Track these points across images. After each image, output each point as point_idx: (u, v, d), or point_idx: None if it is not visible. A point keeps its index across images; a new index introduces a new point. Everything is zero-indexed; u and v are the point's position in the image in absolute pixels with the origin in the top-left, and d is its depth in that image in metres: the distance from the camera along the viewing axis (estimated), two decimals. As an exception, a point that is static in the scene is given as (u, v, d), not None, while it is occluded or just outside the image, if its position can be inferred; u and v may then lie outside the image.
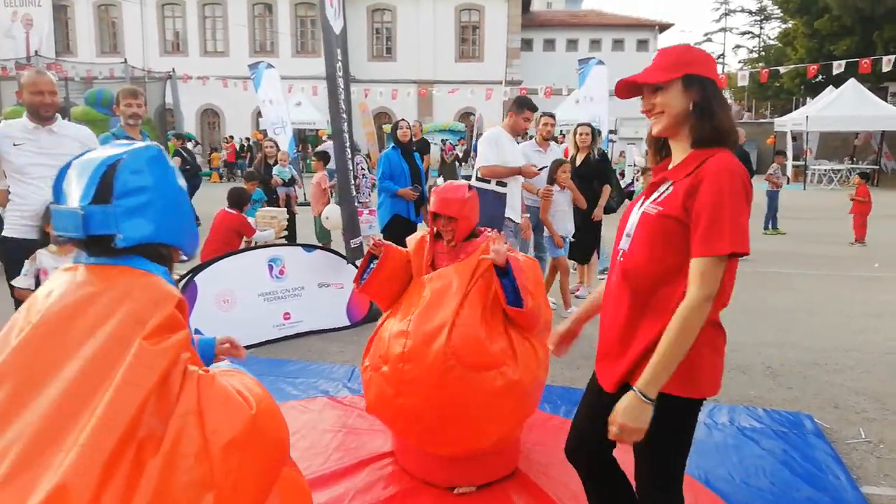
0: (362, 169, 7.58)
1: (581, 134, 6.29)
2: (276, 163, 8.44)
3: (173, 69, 14.18)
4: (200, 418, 1.23)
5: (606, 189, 6.17)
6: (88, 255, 1.36)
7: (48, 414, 1.15)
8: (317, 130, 26.46)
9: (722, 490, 2.78)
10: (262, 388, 1.43)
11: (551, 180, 5.51)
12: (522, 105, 5.06)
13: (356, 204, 7.39)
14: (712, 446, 3.21)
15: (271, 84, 14.37)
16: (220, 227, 5.82)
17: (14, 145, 3.54)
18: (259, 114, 15.18)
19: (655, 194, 1.73)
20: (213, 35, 33.77)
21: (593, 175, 6.12)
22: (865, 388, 4.11)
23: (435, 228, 2.89)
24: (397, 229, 6.00)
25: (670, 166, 1.75)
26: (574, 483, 2.76)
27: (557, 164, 5.58)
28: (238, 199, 6.07)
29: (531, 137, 6.54)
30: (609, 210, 6.35)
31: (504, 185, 4.94)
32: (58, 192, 1.39)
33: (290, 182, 8.45)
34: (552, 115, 6.14)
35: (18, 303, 3.65)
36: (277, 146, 8.51)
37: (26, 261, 3.52)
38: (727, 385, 4.20)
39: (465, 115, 31.59)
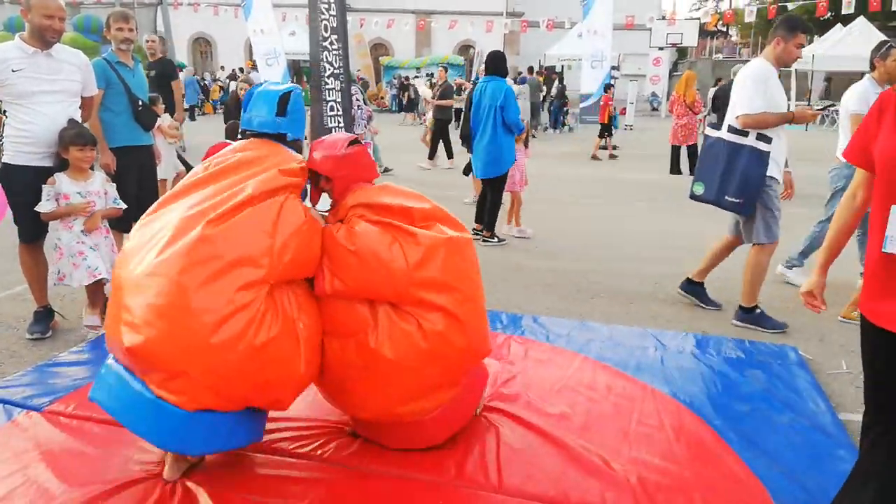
0: (357, 100, 7.46)
1: None
2: None
3: (164, -6, 13.72)
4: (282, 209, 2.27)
5: None
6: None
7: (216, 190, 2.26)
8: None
9: (706, 414, 2.91)
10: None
11: None
12: (794, 27, 3.91)
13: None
14: (698, 374, 3.33)
15: (263, 12, 13.94)
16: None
17: (13, 71, 3.47)
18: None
19: None
20: (203, -42, 32.50)
21: None
22: (852, 322, 4.21)
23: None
24: None
25: None
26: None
27: None
28: (236, 134, 6.12)
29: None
30: None
31: (768, 139, 3.88)
32: (246, 106, 2.60)
33: None
34: None
35: (39, 228, 3.65)
36: (251, 85, 8.16)
37: (45, 185, 3.50)
38: (717, 318, 4.31)
39: (465, 49, 30.87)
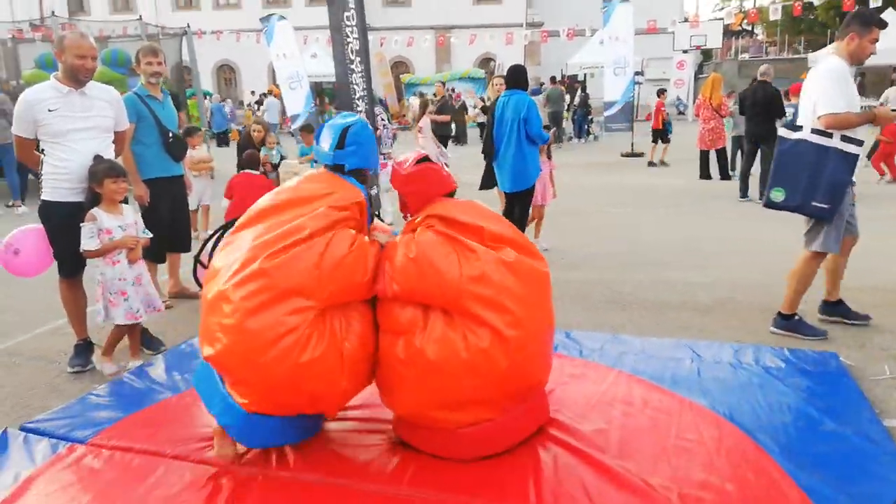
0: (382, 119, 7.55)
1: None
2: (263, 144, 7.74)
3: (188, 25, 14.04)
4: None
5: None
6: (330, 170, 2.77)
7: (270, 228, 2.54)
8: (334, 83, 26.27)
9: (746, 425, 2.84)
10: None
11: None
12: (868, 21, 3.73)
13: (379, 154, 7.42)
14: (737, 385, 3.26)
15: (284, 37, 14.19)
16: (248, 187, 5.95)
17: (49, 111, 3.57)
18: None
19: None
20: (225, -12, 33.33)
21: None
22: (891, 325, 4.10)
23: None
24: None
25: None
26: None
27: None
28: (254, 162, 6.35)
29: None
30: None
31: (858, 141, 3.69)
32: (317, 139, 2.83)
33: (279, 165, 7.86)
34: None
35: (79, 263, 3.72)
36: (266, 129, 7.86)
37: (85, 223, 3.54)
38: (755, 325, 4.22)
39: (485, 62, 30.98)
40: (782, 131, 3.92)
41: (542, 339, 2.66)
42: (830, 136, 3.68)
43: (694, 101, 25.05)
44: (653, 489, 2.40)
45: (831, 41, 24.88)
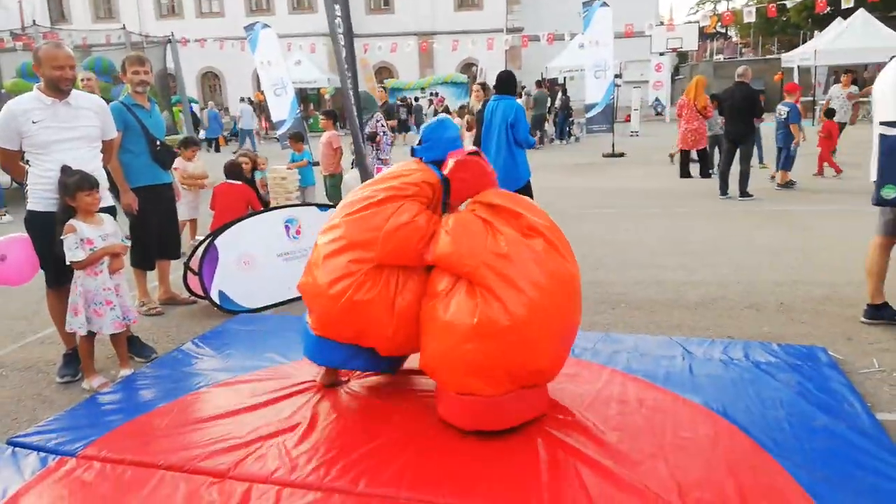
0: (382, 126, 7.58)
1: None
2: (254, 168, 7.42)
3: (172, 33, 13.94)
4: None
5: None
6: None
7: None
8: (318, 89, 26.14)
9: (740, 421, 2.87)
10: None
11: None
12: None
13: (377, 161, 7.44)
14: (729, 381, 3.29)
15: (268, 45, 14.15)
16: (228, 197, 5.93)
17: (33, 122, 3.52)
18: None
19: None
20: (207, -5, 33.13)
21: None
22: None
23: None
24: None
25: None
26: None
27: None
28: (236, 171, 6.24)
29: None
30: None
31: None
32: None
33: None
34: None
35: (65, 272, 3.62)
36: (252, 159, 7.29)
37: (66, 235, 3.45)
38: (741, 322, 4.27)
39: (468, 66, 31.09)
40: (883, 129, 3.87)
41: (553, 329, 2.79)
42: None
43: (672, 103, 25.39)
44: (650, 489, 2.41)
45: (804, 42, 25.31)
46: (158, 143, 4.65)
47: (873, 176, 3.94)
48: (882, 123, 3.85)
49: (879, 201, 3.90)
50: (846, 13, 19.49)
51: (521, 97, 19.74)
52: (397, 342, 3.03)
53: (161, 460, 2.73)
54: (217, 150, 20.54)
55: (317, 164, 8.44)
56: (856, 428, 2.79)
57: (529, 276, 2.73)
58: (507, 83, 6.05)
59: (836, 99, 11.44)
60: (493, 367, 2.72)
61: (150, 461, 2.73)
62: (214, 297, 4.70)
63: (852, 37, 19.65)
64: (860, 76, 22.29)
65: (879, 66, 21.03)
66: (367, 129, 7.41)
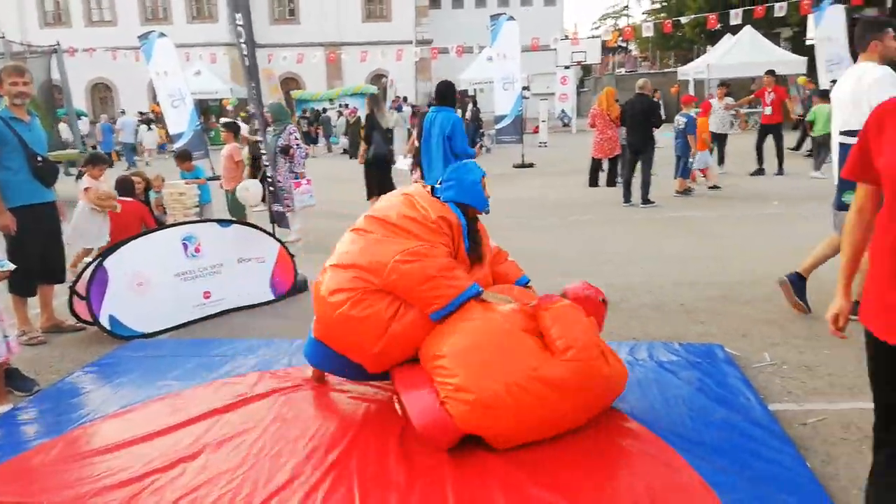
0: (296, 139, 7.37)
1: None
2: (147, 188, 7.09)
3: (58, 42, 13.08)
4: None
5: None
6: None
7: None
8: (220, 100, 25.30)
9: (646, 420, 2.95)
10: None
11: None
12: (877, 25, 3.93)
13: (290, 174, 7.22)
14: (634, 381, 3.36)
15: (165, 54, 13.57)
16: (119, 216, 5.59)
17: None
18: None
19: None
20: (98, 3, 31.47)
21: None
22: (769, 316, 4.42)
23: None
24: None
25: None
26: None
27: None
28: (128, 187, 5.87)
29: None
30: None
31: None
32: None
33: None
34: None
35: None
36: (145, 179, 7.02)
37: None
38: (645, 323, 4.42)
39: (377, 78, 31.03)
40: (843, 139, 3.95)
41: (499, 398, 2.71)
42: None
43: (578, 115, 26.32)
44: (560, 484, 2.43)
45: (698, 56, 26.92)
46: (40, 158, 4.31)
47: (835, 180, 4.17)
48: (842, 133, 4.05)
49: (840, 206, 4.09)
50: (735, 29, 20.92)
51: (467, 107, 19.99)
52: (381, 363, 3.08)
53: (44, 501, 2.50)
54: (110, 165, 19.32)
55: (217, 178, 8.11)
56: (750, 419, 2.93)
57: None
58: (444, 94, 6.06)
59: (716, 112, 12.04)
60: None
61: (30, 502, 2.49)
62: (104, 322, 4.38)
63: (741, 51, 21.07)
64: (746, 87, 23.96)
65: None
66: (281, 142, 7.21)
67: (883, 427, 1.97)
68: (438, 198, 3.24)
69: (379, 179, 8.33)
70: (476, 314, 2.92)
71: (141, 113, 23.39)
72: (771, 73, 12.40)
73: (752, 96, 12.62)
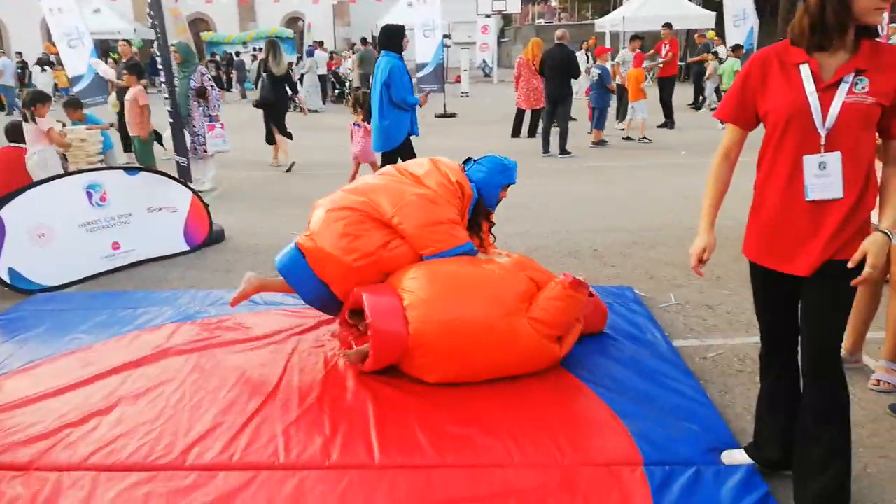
0: (209, 80, 7.03)
1: None
2: None
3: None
4: None
5: None
6: None
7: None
8: (128, 40, 23.60)
9: (563, 361, 3.09)
10: None
11: None
12: None
13: (205, 118, 6.89)
14: (551, 323, 3.53)
15: (59, -12, 12.40)
16: (13, 163, 5.18)
17: None
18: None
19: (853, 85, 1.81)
20: (-23, -73, 28.29)
21: None
22: (675, 259, 4.68)
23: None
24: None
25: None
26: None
27: None
28: (20, 133, 5.43)
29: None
30: None
31: None
32: None
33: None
34: None
35: None
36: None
37: None
38: (562, 268, 4.57)
39: (293, 21, 29.74)
40: None
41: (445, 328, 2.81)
42: None
43: (499, 65, 26.26)
44: (480, 422, 2.55)
45: (615, 8, 27.29)
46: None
47: None
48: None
49: None
50: (653, -17, 21.27)
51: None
52: (349, 279, 3.10)
53: None
54: (1, 108, 17.80)
55: (113, 125, 7.63)
56: (657, 355, 3.14)
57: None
58: (387, 38, 5.72)
59: (626, 63, 12.26)
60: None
61: (-70, 464, 2.37)
62: (3, 274, 4.12)
63: (655, 5, 21.50)
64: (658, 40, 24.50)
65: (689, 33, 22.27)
66: (193, 84, 6.86)
67: (766, 352, 2.19)
68: (464, 169, 3.44)
69: (273, 123, 8.62)
70: (464, 260, 3.10)
71: (19, 54, 21.41)
72: (667, 26, 12.67)
73: (653, 51, 12.88)
